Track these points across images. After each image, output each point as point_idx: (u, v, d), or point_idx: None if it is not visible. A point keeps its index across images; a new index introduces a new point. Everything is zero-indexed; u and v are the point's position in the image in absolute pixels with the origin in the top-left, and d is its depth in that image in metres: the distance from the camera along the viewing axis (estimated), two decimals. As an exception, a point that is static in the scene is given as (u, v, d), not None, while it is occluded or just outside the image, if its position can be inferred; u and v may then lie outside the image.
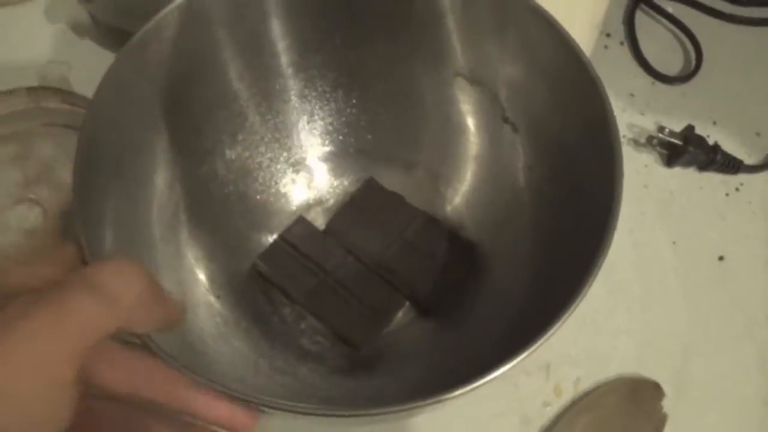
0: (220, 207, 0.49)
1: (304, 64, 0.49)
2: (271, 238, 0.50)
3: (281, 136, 0.51)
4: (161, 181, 0.44)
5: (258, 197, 0.50)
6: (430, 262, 0.49)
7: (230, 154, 0.49)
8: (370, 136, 0.52)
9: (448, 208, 0.51)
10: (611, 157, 0.38)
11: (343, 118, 0.51)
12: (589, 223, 0.38)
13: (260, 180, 0.51)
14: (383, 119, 0.51)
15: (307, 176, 0.52)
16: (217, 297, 0.47)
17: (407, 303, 0.49)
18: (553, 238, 0.44)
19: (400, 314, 0.49)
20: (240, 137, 0.49)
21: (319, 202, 0.52)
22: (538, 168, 0.46)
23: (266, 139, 0.50)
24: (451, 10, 0.45)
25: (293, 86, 0.50)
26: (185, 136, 0.46)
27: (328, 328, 0.48)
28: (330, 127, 0.52)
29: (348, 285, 0.48)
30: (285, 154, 0.51)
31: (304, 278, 0.48)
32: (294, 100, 0.50)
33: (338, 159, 0.52)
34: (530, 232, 0.46)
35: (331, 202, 0.52)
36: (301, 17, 0.46)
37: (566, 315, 0.34)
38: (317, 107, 0.51)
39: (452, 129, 0.50)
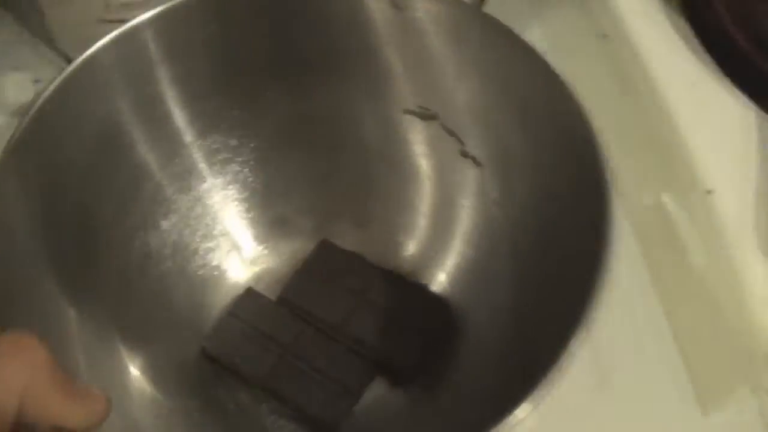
0: (156, 286, 0.43)
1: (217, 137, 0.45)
2: (219, 316, 0.45)
3: (208, 209, 0.46)
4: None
5: (199, 273, 0.45)
6: (399, 325, 0.44)
7: (160, 232, 0.44)
8: (311, 196, 0.47)
9: (412, 261, 0.46)
10: (597, 182, 0.33)
11: (279, 182, 0.47)
12: (574, 264, 0.33)
13: (198, 256, 0.46)
14: (324, 175, 0.47)
15: (254, 245, 0.47)
16: (158, 386, 0.41)
17: (378, 373, 0.43)
18: (535, 282, 0.39)
19: (371, 387, 0.43)
20: (167, 217, 0.44)
21: (268, 271, 0.47)
22: (509, 204, 0.42)
23: (194, 216, 0.46)
24: (388, 40, 0.41)
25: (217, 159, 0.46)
26: (105, 226, 0.41)
27: (293, 409, 0.42)
28: (266, 191, 0.47)
29: (309, 359, 0.43)
30: (220, 226, 0.46)
31: (259, 357, 0.43)
32: (216, 172, 0.46)
33: (285, 224, 0.47)
34: (508, 277, 0.42)
35: (283, 269, 0.47)
36: (198, 82, 0.43)
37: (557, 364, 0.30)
38: (246, 173, 0.47)
39: (404, 173, 0.46)
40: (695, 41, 0.48)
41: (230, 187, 0.46)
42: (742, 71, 0.46)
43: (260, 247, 0.47)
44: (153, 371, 0.41)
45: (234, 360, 0.43)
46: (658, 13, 0.50)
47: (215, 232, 0.46)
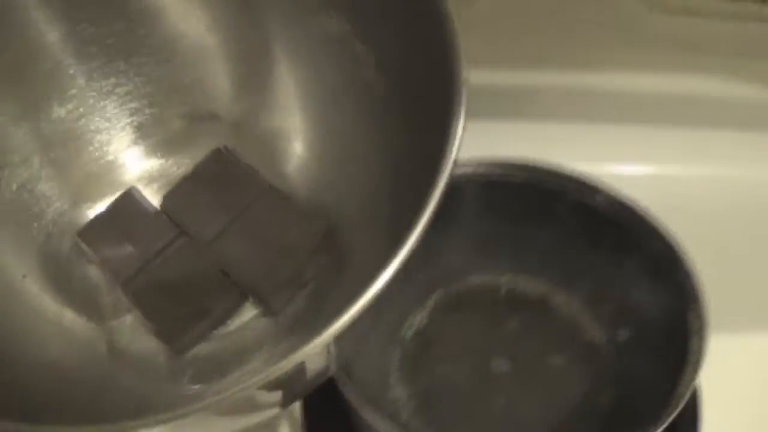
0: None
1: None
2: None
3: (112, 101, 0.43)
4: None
5: (85, 168, 0.43)
6: (276, 251, 0.40)
7: (58, 111, 0.42)
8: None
9: (297, 170, 0.42)
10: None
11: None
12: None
13: (89, 149, 0.43)
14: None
15: (147, 146, 0.44)
16: (24, 277, 0.40)
17: (247, 300, 0.40)
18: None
19: (239, 312, 0.40)
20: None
21: (161, 175, 0.44)
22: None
23: (99, 105, 0.43)
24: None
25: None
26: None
27: (147, 319, 0.39)
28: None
29: (175, 274, 0.40)
30: (123, 120, 0.43)
31: (125, 261, 0.40)
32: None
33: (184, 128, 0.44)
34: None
35: (176, 176, 0.43)
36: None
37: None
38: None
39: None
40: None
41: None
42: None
43: (157, 151, 0.44)
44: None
45: (100, 259, 0.41)
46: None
47: (118, 127, 0.43)
